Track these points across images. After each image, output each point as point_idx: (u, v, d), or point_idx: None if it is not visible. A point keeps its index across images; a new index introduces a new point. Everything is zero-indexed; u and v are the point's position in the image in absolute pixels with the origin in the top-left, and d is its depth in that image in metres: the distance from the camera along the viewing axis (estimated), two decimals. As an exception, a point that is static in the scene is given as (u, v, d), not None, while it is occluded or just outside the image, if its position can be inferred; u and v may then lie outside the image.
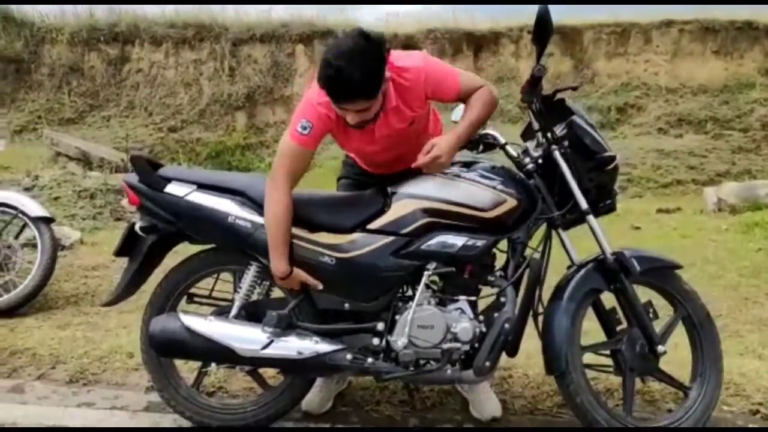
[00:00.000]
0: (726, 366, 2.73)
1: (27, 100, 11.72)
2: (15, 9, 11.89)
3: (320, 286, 2.10)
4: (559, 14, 11.10)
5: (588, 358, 2.29)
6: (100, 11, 12.09)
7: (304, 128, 2.02)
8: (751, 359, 2.87)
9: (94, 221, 5.68)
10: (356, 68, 1.84)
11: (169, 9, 12.15)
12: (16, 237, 3.69)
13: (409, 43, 10.99)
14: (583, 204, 2.13)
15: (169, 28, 11.93)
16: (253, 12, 12.24)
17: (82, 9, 12.09)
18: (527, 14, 11.15)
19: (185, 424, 2.25)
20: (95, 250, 4.87)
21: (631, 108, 11.33)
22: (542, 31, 1.99)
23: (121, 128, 11.14)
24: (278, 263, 2.05)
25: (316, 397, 2.38)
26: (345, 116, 1.98)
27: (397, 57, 2.03)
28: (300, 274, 2.08)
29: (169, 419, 2.29)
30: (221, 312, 2.21)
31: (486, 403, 2.36)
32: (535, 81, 2.07)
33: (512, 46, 11.95)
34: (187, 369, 2.42)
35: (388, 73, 1.96)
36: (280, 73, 11.70)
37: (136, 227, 2.15)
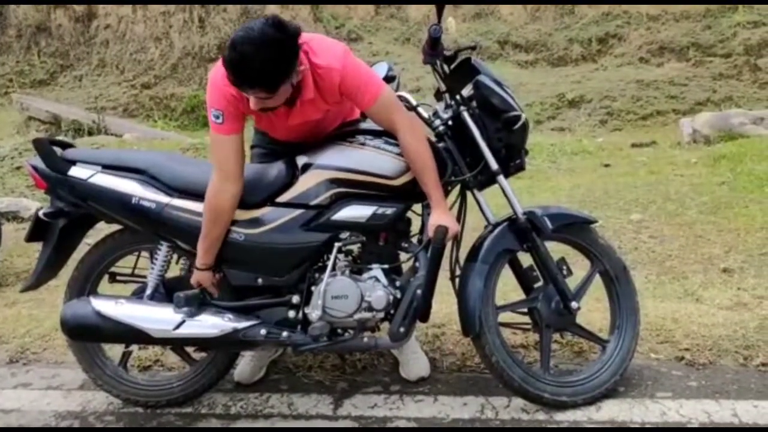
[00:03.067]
0: (661, 312, 2.77)
1: (-3, 64, 11.50)
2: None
3: (215, 295, 2.12)
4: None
5: (510, 316, 2.31)
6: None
7: (217, 117, 1.96)
8: (687, 303, 2.88)
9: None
10: (261, 59, 1.76)
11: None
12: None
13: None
14: (493, 164, 2.10)
15: (134, -20, 11.54)
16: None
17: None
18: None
19: (116, 401, 2.29)
20: (55, 221, 4.83)
21: (612, 38, 11.10)
22: None
23: (93, 87, 10.95)
24: (205, 256, 2.06)
25: (247, 366, 2.41)
26: (247, 97, 1.91)
27: (317, 50, 1.93)
28: (207, 278, 2.11)
29: (101, 397, 2.33)
30: (142, 291, 2.22)
31: (413, 363, 2.38)
32: (433, 42, 2.00)
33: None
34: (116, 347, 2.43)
35: (303, 67, 1.88)
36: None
37: (40, 214, 2.13)
